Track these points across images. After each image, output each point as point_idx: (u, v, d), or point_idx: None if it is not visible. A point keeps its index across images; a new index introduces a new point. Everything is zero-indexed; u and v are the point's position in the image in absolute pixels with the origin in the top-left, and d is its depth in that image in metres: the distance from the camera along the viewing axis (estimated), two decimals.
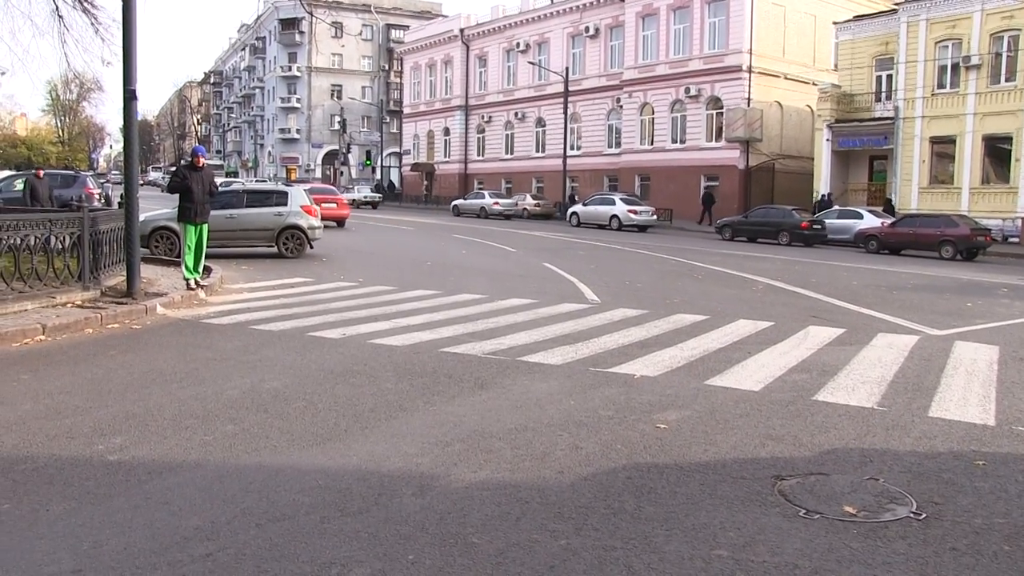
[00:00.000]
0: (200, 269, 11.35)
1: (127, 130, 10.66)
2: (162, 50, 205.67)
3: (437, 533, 3.62)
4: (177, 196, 11.36)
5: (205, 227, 11.33)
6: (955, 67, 30.05)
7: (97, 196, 24.86)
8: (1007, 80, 28.88)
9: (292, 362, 7.13)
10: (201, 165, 11.24)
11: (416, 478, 4.32)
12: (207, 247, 16.63)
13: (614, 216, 33.16)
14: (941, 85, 30.60)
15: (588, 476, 4.41)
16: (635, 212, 32.99)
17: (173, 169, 11.50)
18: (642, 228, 33.12)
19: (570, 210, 36.98)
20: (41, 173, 19.21)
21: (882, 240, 25.08)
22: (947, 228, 23.88)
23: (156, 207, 19.24)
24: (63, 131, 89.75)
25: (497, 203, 41.20)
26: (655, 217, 33.95)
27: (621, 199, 34.39)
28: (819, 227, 27.33)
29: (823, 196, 32.67)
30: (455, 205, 44.40)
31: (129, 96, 10.18)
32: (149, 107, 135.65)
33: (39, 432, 4.99)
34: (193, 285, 10.85)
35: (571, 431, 5.22)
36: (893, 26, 31.92)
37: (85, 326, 8.53)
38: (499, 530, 3.66)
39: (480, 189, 46.25)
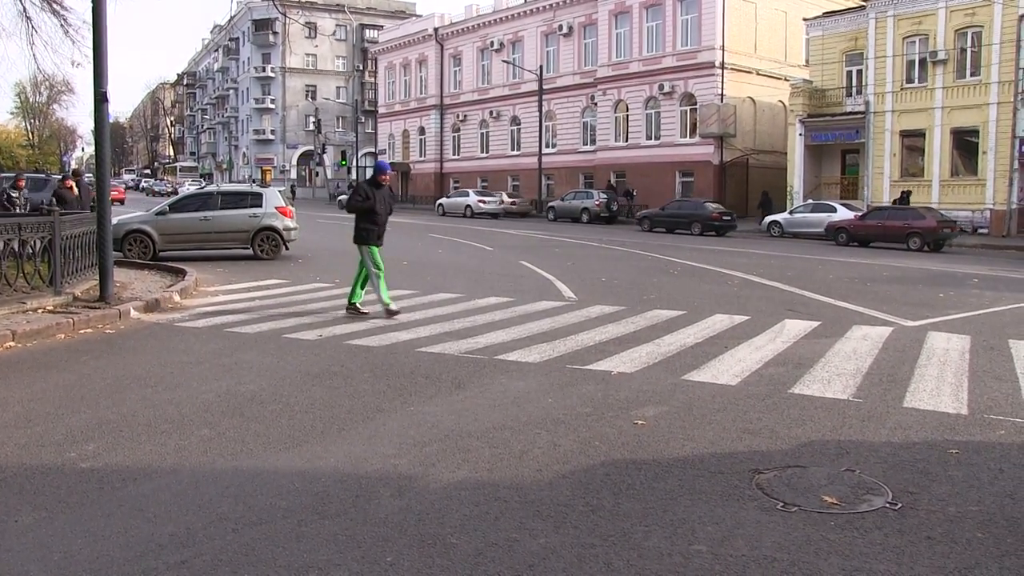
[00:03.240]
0: (362, 294, 9.93)
1: (98, 133, 10.49)
2: (134, 51, 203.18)
3: (416, 534, 3.60)
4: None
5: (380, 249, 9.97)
6: (923, 62, 30.47)
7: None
8: (972, 75, 29.35)
9: (268, 364, 7.07)
10: (386, 181, 9.96)
11: (394, 479, 4.29)
12: (189, 250, 16.55)
13: (468, 206, 39.69)
14: (910, 80, 31.02)
15: (566, 474, 4.41)
16: (483, 202, 39.59)
17: (356, 186, 10.24)
18: (494, 215, 38.83)
19: (438, 202, 43.95)
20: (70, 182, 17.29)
21: (851, 233, 25.62)
22: (914, 220, 24.39)
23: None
24: (33, 134, 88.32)
25: None
26: (502, 206, 39.61)
27: (473, 192, 41.51)
28: (728, 218, 29.44)
29: (763, 193, 34.16)
30: (339, 200, 48.89)
31: (100, 98, 10.03)
32: (121, 109, 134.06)
33: (8, 441, 4.90)
34: (395, 309, 9.61)
35: (549, 429, 5.21)
36: (862, 22, 32.31)
37: (57, 331, 8.39)
38: (478, 530, 3.65)
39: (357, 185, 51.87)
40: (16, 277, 9.56)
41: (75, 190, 15.46)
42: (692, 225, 29.45)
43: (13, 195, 15.70)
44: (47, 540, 3.53)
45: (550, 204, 39.06)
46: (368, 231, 9.72)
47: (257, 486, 4.19)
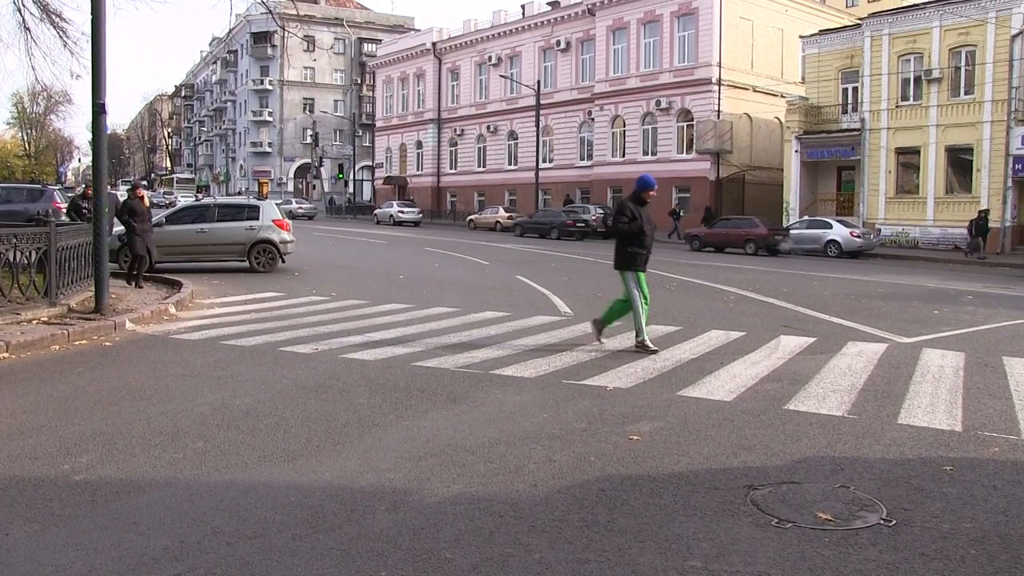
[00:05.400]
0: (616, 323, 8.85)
1: (96, 144, 10.52)
2: (132, 63, 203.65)
3: (410, 549, 3.59)
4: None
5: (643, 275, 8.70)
6: (917, 80, 30.70)
7: (65, 210, 24.47)
8: (966, 93, 29.58)
9: (263, 378, 7.05)
10: (651, 198, 8.70)
11: (389, 493, 4.29)
12: (185, 263, 16.45)
13: (391, 215, 47.08)
14: (905, 97, 31.23)
15: (562, 489, 4.40)
16: (403, 212, 46.95)
17: (618, 205, 8.75)
18: (415, 223, 45.95)
19: (374, 211, 51.37)
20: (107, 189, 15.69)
21: (703, 239, 29.41)
22: (751, 229, 28.24)
23: None
24: (29, 144, 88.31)
25: (301, 207, 53.26)
26: (420, 215, 47.62)
27: (396, 203, 49.11)
28: (582, 224, 34.26)
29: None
30: (290, 211, 56.15)
31: (98, 110, 10.06)
32: (119, 120, 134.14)
33: (0, 453, 4.88)
34: (651, 346, 8.42)
35: (544, 444, 5.21)
36: (857, 40, 32.56)
37: (51, 343, 8.37)
38: (472, 545, 3.64)
39: (288, 197, 59.07)
40: (11, 288, 9.55)
41: (146, 201, 14.14)
42: (551, 231, 34.69)
43: (83, 205, 14.12)
44: (38, 554, 3.51)
45: None
46: (636, 256, 8.50)
47: (251, 500, 4.17)
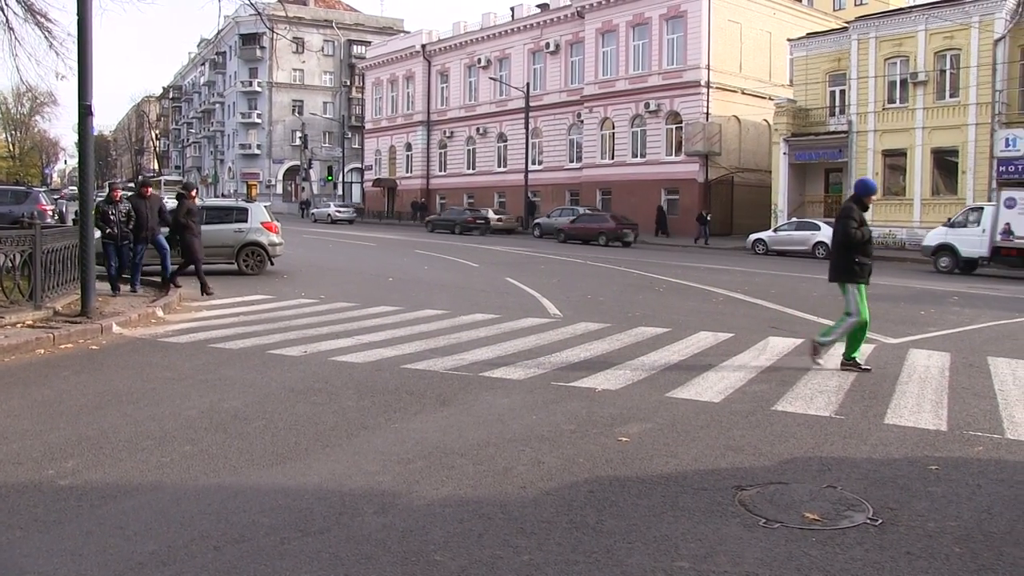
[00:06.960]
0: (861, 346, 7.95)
1: (82, 145, 10.45)
2: (120, 64, 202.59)
3: (399, 551, 3.58)
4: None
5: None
6: (904, 83, 30.92)
7: (50, 213, 24.29)
8: (952, 96, 29.81)
9: (252, 381, 7.03)
10: (871, 203, 8.03)
11: (377, 496, 4.28)
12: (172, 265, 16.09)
13: (328, 214, 50.68)
14: (891, 100, 31.45)
15: (550, 491, 4.41)
16: (339, 211, 50.91)
17: (844, 209, 7.89)
18: (350, 221, 49.45)
19: (310, 211, 56.23)
20: (149, 190, 13.34)
21: (568, 232, 33.53)
22: (602, 224, 32.89)
23: None
24: (14, 146, 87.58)
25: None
26: (355, 214, 52.05)
27: (333, 204, 53.88)
28: (482, 221, 39.43)
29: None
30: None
31: (85, 111, 10.00)
32: (106, 122, 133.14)
33: None
34: (864, 365, 7.79)
35: (533, 446, 5.22)
36: (844, 43, 32.76)
37: (36, 347, 8.31)
38: (461, 547, 3.64)
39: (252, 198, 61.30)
40: None
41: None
42: (455, 227, 39.32)
43: (110, 212, 12.14)
44: (21, 560, 3.48)
45: (536, 221, 39.31)
46: (863, 267, 7.80)
47: (239, 503, 4.16)
